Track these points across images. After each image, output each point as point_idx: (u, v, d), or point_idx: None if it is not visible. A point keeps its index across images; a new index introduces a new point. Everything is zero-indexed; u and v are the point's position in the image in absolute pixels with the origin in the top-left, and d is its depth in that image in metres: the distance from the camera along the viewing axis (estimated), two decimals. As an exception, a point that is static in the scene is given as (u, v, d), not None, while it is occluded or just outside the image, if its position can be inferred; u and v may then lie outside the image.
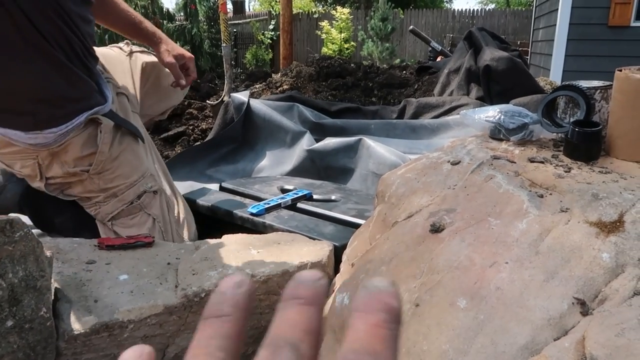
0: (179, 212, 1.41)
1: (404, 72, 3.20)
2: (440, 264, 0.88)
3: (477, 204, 1.00)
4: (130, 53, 1.56)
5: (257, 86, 3.21)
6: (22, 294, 0.84)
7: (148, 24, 1.46)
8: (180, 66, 1.42)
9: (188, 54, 1.46)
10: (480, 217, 0.95)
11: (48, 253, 0.93)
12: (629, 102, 1.09)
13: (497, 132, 1.24)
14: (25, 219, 1.42)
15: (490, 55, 2.47)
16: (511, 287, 0.79)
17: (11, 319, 0.83)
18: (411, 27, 4.41)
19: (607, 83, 1.25)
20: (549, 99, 1.25)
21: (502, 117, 1.22)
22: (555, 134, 1.25)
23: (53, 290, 0.94)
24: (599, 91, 1.23)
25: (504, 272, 0.82)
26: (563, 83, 1.29)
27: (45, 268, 0.89)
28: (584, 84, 1.27)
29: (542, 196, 0.97)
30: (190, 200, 1.58)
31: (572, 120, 1.22)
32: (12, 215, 0.84)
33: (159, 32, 1.46)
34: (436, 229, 0.97)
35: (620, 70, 1.11)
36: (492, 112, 1.24)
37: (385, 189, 1.19)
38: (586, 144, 1.13)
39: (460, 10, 13.34)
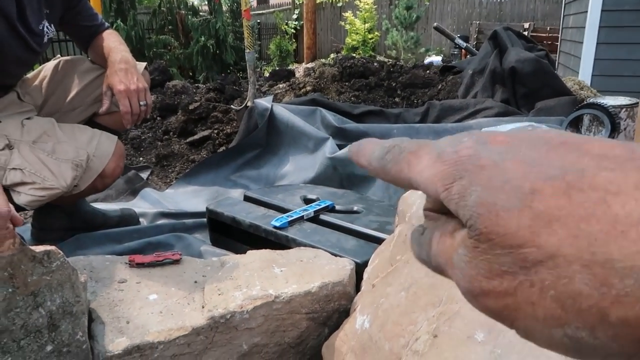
0: (53, 145, 1.34)
1: (428, 71, 3.18)
2: (459, 293, 0.90)
3: (497, 229, 1.01)
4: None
5: (280, 86, 3.23)
6: (60, 319, 0.90)
7: (115, 55, 1.45)
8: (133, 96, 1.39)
9: (141, 85, 1.42)
10: (499, 245, 0.96)
11: (82, 278, 0.98)
12: (655, 124, 1.07)
13: (519, 151, 1.24)
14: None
15: (516, 56, 2.43)
16: (529, 321, 0.80)
17: (50, 344, 0.88)
18: (435, 24, 4.35)
19: (634, 101, 1.23)
20: (573, 117, 1.24)
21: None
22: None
23: (87, 312, 0.99)
24: (624, 110, 1.21)
25: (522, 304, 0.83)
26: (588, 100, 1.27)
27: (80, 293, 0.94)
28: (610, 101, 1.25)
29: (563, 223, 0.97)
30: (215, 212, 1.63)
31: (596, 139, 1.21)
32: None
33: (120, 60, 1.42)
34: (455, 256, 0.98)
35: (647, 91, 1.10)
36: (514, 131, 1.24)
37: (406, 208, 1.20)
38: (610, 165, 1.12)
39: (487, -5, 13.03)
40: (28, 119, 1.37)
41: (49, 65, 1.56)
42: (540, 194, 0.17)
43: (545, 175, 0.17)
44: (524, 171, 0.18)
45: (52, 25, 1.43)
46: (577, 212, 0.16)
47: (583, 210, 0.16)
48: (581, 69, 4.78)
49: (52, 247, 0.89)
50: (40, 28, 1.37)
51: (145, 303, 1.06)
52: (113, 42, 1.51)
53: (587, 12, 4.91)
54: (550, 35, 8.42)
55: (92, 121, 1.57)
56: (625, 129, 1.23)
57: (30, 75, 1.55)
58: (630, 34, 4.83)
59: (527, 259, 0.17)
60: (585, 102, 1.26)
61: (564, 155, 0.18)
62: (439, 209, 0.22)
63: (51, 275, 0.88)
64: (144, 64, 1.61)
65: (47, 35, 1.42)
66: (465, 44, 3.81)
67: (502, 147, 0.19)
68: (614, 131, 1.17)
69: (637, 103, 1.18)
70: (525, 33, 8.35)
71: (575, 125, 1.26)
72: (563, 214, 0.16)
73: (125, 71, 1.39)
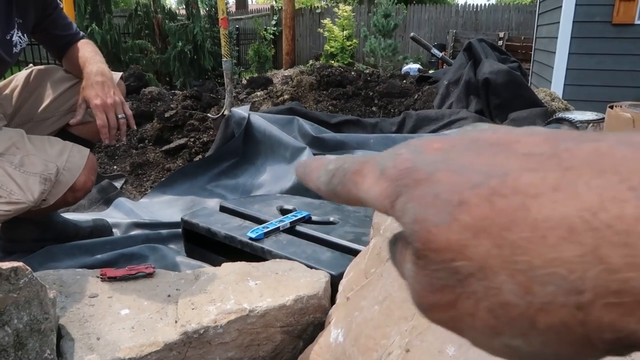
0: (22, 158, 1.31)
1: (404, 81, 3.22)
2: (431, 307, 0.91)
3: (469, 242, 1.02)
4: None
5: (258, 94, 3.23)
6: (27, 337, 0.88)
7: (91, 66, 1.43)
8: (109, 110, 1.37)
9: (118, 98, 1.40)
10: (471, 258, 0.98)
11: (51, 294, 0.96)
12: (620, 140, 1.11)
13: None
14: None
15: (490, 67, 2.48)
16: (498, 335, 0.82)
17: (17, 363, 0.86)
18: (412, 34, 4.41)
19: (601, 116, 1.28)
20: (542, 131, 1.27)
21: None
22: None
23: (57, 329, 0.97)
24: (591, 125, 1.25)
25: (492, 318, 0.84)
26: (557, 115, 1.31)
27: (49, 310, 0.92)
28: (578, 115, 1.29)
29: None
30: (190, 222, 1.61)
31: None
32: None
33: (96, 72, 1.40)
34: (428, 269, 0.99)
35: (612, 107, 1.13)
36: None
37: (381, 221, 1.21)
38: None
39: (463, 5, 13.28)
40: None
41: (21, 75, 1.53)
42: (467, 205, 0.17)
43: (471, 184, 0.17)
44: (453, 182, 0.18)
45: (24, 35, 1.40)
46: (500, 220, 0.16)
47: (505, 217, 0.16)
48: (554, 78, 4.88)
49: (20, 264, 0.87)
50: (10, 37, 1.35)
51: (116, 318, 1.04)
52: (89, 52, 1.48)
53: (559, 22, 5.03)
54: (524, 44, 8.60)
55: (65, 131, 1.54)
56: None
57: (0, 84, 1.52)
58: (600, 44, 4.96)
59: (459, 272, 0.17)
60: (554, 117, 1.29)
61: (491, 158, 0.18)
62: None
63: (18, 293, 0.86)
64: (120, 73, 1.59)
65: (20, 45, 1.39)
66: (440, 54, 3.87)
67: (436, 155, 0.19)
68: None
69: (604, 118, 1.22)
70: (501, 42, 8.49)
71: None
72: (487, 223, 0.17)
73: (102, 84, 1.37)
